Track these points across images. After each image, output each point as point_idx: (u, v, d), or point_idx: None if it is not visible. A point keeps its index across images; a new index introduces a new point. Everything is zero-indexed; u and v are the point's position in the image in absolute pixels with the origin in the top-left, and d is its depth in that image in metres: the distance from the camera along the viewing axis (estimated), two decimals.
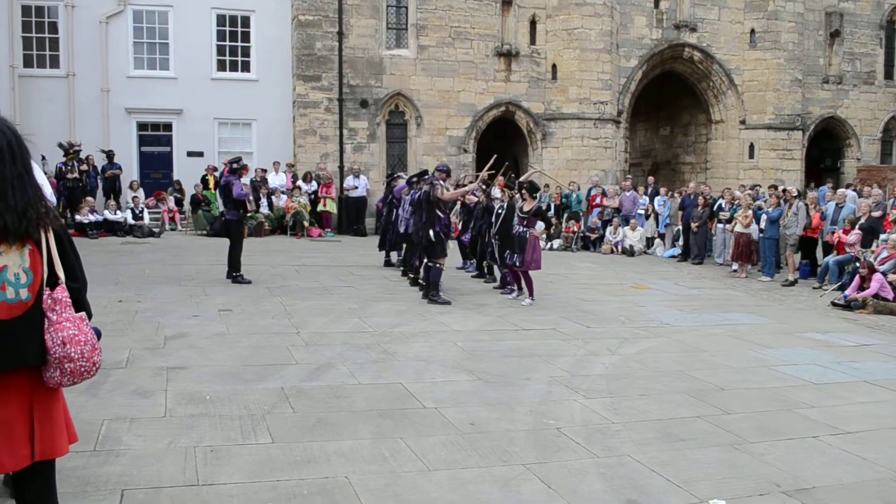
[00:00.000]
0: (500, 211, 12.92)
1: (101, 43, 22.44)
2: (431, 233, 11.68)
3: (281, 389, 6.72)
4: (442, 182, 12.25)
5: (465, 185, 14.05)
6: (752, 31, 26.36)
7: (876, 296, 12.70)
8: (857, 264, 13.71)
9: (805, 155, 27.71)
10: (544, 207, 13.18)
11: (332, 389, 6.81)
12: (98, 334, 7.64)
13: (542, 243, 12.86)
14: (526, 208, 12.06)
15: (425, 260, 11.94)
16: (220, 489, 4.68)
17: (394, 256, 15.55)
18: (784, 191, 17.15)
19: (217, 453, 5.22)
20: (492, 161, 13.59)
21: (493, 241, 13.24)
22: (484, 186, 14.25)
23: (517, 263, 11.94)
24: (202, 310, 10.28)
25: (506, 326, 10.10)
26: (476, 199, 14.32)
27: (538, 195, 12.86)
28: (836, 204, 16.38)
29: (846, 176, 28.24)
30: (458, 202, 14.43)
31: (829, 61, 28.26)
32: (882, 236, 14.59)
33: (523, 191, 12.39)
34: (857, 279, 13.27)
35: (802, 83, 27.08)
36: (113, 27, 22.67)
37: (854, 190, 20.86)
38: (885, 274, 13.28)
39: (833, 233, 15.79)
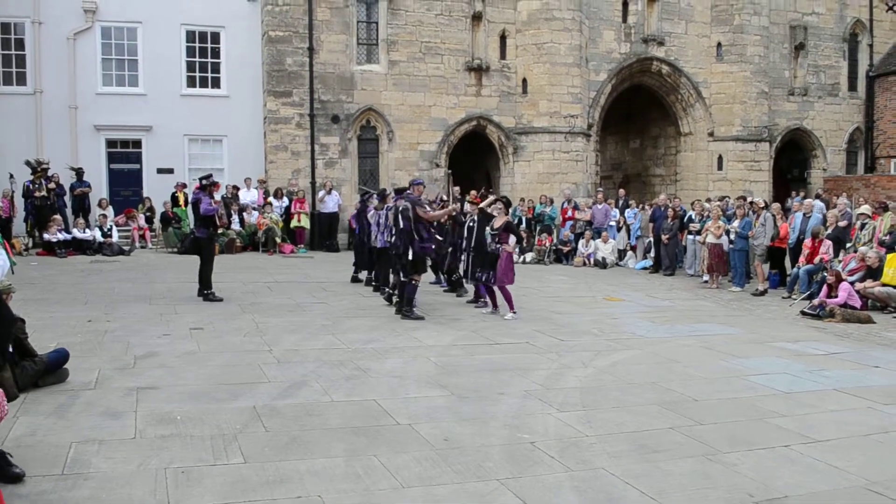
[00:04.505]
0: (471, 224, 12.90)
1: (69, 60, 22.26)
2: (411, 252, 11.63)
3: (253, 408, 6.65)
4: (422, 198, 12.26)
5: (443, 206, 14.05)
6: (719, 45, 26.72)
7: (844, 304, 12.86)
8: (825, 273, 13.87)
9: (773, 166, 28.09)
10: (515, 221, 13.15)
11: (304, 407, 6.76)
12: (66, 355, 7.56)
13: (515, 257, 12.87)
14: (497, 224, 12.08)
15: (400, 275, 11.89)
16: None
17: (362, 273, 15.48)
18: (751, 202, 17.33)
19: (188, 475, 5.15)
20: (490, 198, 13.88)
21: (464, 255, 13.20)
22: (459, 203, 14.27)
23: (490, 280, 11.95)
24: (173, 328, 10.17)
25: (479, 341, 10.09)
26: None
27: (511, 210, 12.89)
28: (804, 214, 16.58)
29: (813, 186, 28.61)
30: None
31: (795, 74, 28.72)
32: (862, 248, 14.74)
33: (500, 207, 12.38)
34: (825, 288, 13.42)
35: (769, 95, 27.48)
36: (81, 44, 22.50)
37: (822, 200, 21.15)
38: (852, 283, 13.46)
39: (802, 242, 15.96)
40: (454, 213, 13.73)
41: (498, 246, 11.94)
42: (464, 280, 13.74)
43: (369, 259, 14.95)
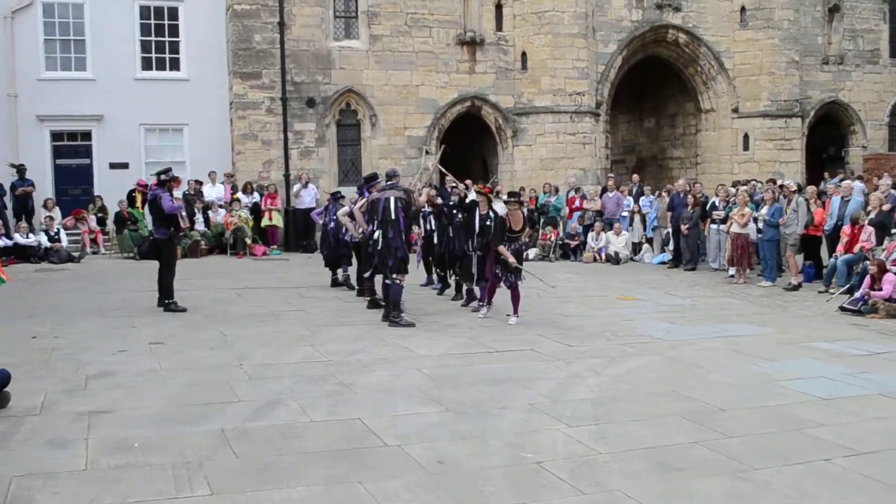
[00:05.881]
0: (488, 223, 12.84)
1: (7, 42, 22.19)
2: (404, 245, 11.64)
3: (221, 432, 6.62)
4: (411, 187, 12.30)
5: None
6: (743, 9, 26.75)
7: (889, 298, 12.86)
8: (867, 263, 13.88)
9: (805, 144, 28.10)
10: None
11: (280, 429, 6.73)
12: (7, 377, 7.51)
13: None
14: (517, 226, 12.03)
15: (383, 276, 11.85)
16: None
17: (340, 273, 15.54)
18: (782, 186, 17.32)
19: None
20: (440, 151, 13.81)
21: (471, 253, 13.15)
22: (455, 186, 14.29)
23: (519, 281, 11.93)
24: (130, 344, 10.12)
25: (477, 349, 10.08)
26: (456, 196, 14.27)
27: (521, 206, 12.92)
28: (842, 198, 16.57)
29: (852, 166, 28.65)
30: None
31: (829, 40, 28.73)
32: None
33: (510, 202, 12.28)
34: (867, 279, 13.43)
35: (800, 65, 27.49)
36: (20, 23, 22.41)
37: (861, 182, 21.17)
38: None
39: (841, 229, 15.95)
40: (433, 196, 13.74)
41: (520, 244, 12.02)
42: (465, 285, 13.69)
43: (336, 255, 15.15)
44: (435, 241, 14.59)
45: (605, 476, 5.79)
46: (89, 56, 23.01)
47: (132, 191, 21.54)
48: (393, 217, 11.62)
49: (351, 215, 13.64)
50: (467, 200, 13.77)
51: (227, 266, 19.09)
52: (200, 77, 23.62)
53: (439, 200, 14.45)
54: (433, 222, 14.65)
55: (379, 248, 11.79)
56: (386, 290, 11.83)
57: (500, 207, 12.46)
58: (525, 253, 18.33)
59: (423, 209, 14.06)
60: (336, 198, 15.89)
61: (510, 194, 12.84)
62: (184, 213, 13.26)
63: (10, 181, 21.31)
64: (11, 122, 22.33)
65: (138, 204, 21.15)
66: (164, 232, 12.81)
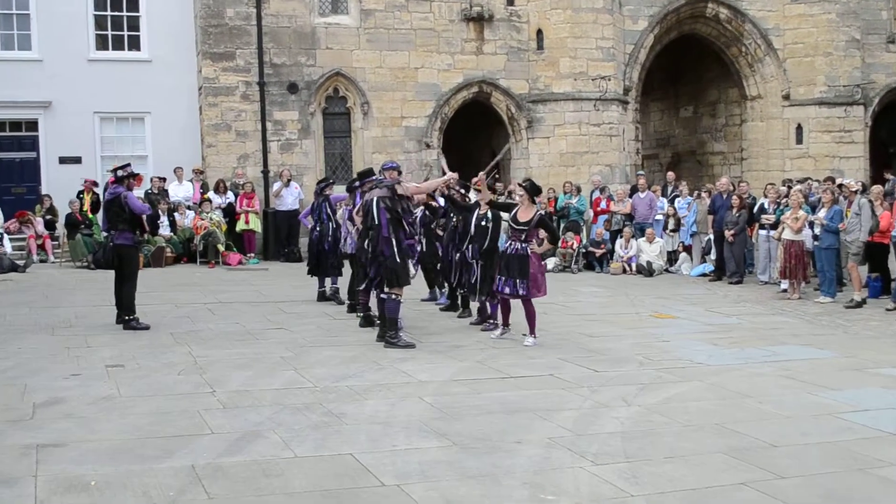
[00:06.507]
0: (484, 223, 12.87)
1: None
2: (397, 253, 11.60)
3: (192, 468, 6.62)
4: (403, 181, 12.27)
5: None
6: None
7: None
8: None
9: (869, 137, 28.03)
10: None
11: (259, 466, 6.74)
12: None
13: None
14: (523, 218, 12.02)
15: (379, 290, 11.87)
16: None
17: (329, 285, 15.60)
18: (841, 185, 17.31)
19: None
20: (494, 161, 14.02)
21: (473, 262, 13.17)
22: (461, 189, 14.28)
23: (520, 291, 11.89)
24: (84, 366, 10.13)
25: (488, 374, 10.08)
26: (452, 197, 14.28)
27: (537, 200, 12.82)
28: None
29: None
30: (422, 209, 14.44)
31: (895, 15, 28.66)
32: None
33: (521, 193, 12.30)
34: None
35: (861, 44, 27.43)
36: None
37: None
38: None
39: None
40: (451, 187, 13.70)
41: (525, 245, 11.88)
42: (471, 298, 13.71)
43: (318, 264, 15.27)
44: (423, 248, 14.64)
45: None
46: (35, 33, 23.06)
47: (81, 191, 21.54)
48: (376, 222, 11.63)
49: (352, 221, 13.65)
50: (470, 202, 13.81)
51: (197, 277, 19.13)
52: (164, 58, 23.67)
53: (434, 203, 14.48)
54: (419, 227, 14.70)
55: (368, 258, 11.86)
56: (381, 306, 11.85)
57: (517, 193, 12.50)
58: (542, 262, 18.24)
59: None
60: (322, 188, 15.77)
61: (525, 181, 12.81)
62: (144, 217, 13.27)
63: None
64: None
65: (87, 207, 21.11)
66: (128, 237, 12.75)
